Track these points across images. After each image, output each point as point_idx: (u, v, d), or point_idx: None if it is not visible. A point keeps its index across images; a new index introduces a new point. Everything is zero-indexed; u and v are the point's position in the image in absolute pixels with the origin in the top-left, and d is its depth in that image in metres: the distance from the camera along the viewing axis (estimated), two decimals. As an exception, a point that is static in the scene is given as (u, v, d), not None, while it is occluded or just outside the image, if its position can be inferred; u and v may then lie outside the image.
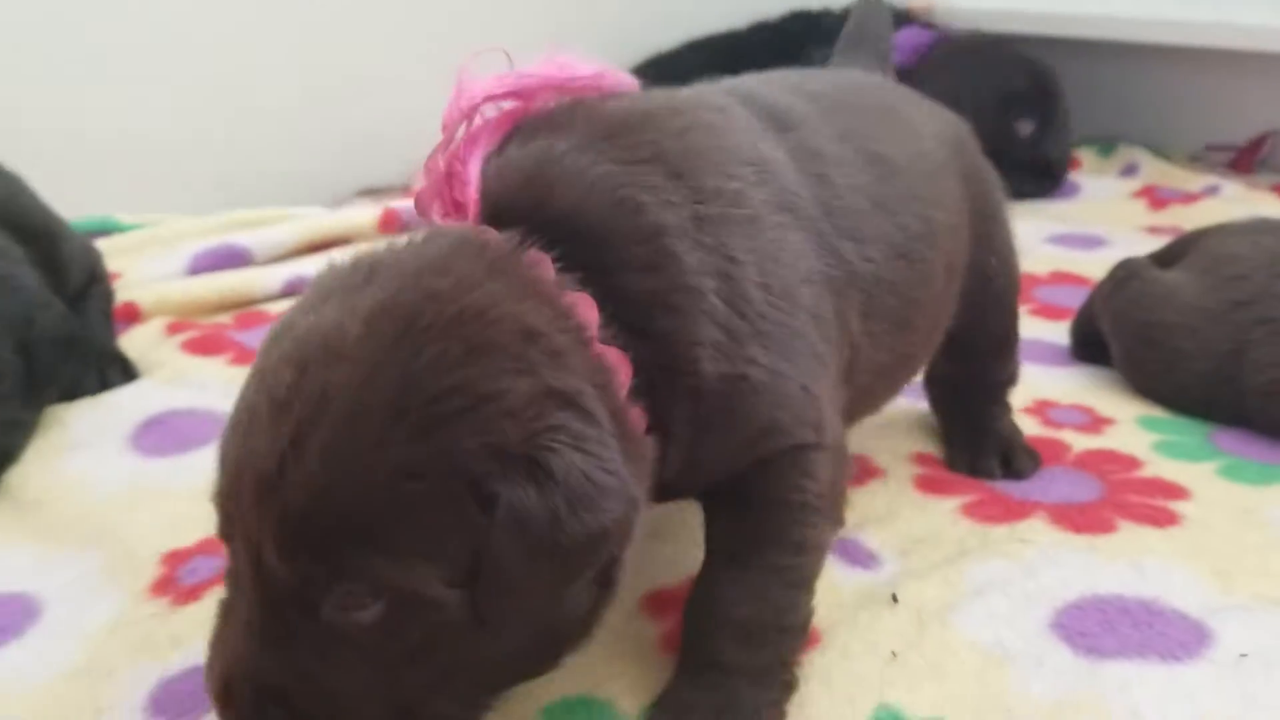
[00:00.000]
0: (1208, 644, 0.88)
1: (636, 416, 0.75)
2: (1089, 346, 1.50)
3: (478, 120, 0.81)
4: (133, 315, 1.64)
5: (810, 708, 0.83)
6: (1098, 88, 2.73)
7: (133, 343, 1.55)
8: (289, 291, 1.75)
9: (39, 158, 1.54)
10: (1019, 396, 1.30)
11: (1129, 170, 2.56)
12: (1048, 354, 1.53)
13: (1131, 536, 1.05)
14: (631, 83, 0.89)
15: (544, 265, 0.74)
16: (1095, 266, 1.65)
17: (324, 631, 0.66)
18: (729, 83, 1.00)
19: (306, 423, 0.64)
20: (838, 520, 0.89)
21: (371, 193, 2.55)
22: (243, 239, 1.87)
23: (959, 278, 1.06)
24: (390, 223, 1.97)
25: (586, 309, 0.73)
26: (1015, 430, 1.23)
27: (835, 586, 0.97)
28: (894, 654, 0.89)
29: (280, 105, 2.47)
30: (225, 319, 1.67)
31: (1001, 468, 1.18)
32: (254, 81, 2.42)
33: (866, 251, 0.90)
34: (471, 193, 0.78)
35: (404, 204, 2.08)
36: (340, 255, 0.76)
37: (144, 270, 1.76)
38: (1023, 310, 1.68)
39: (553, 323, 0.70)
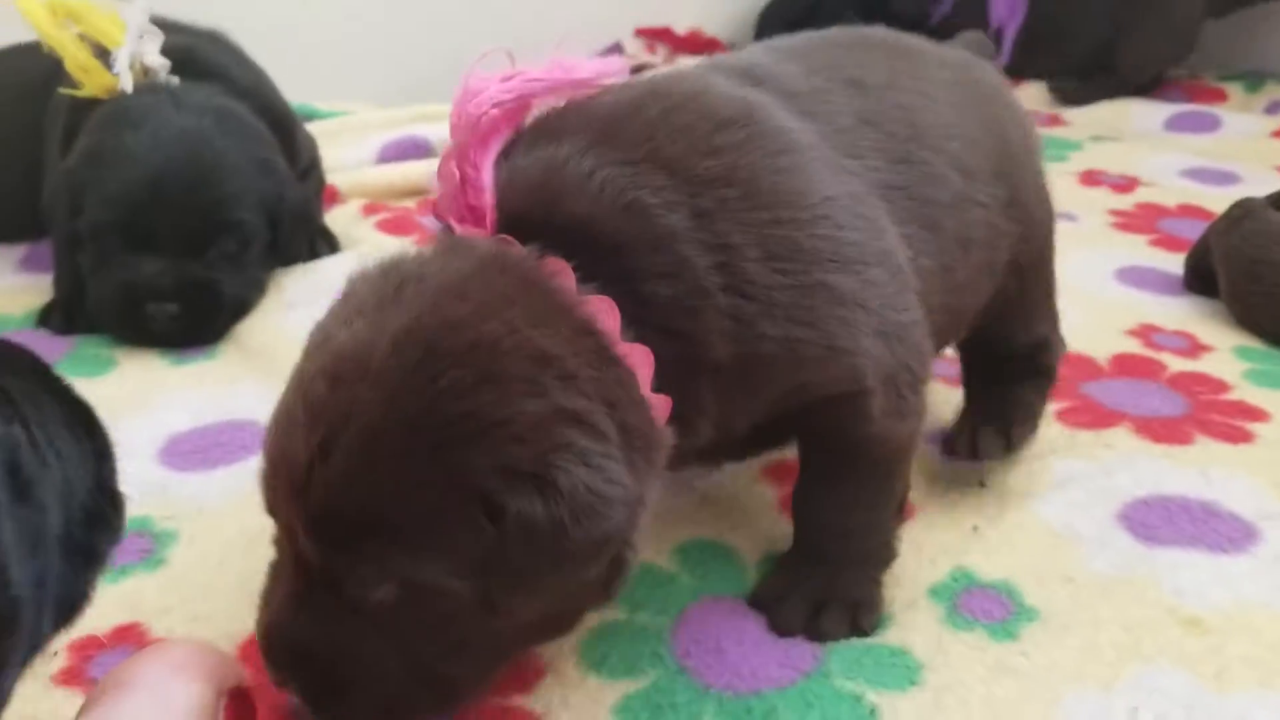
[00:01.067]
0: (1255, 542, 1.02)
1: (660, 406, 0.80)
2: (1201, 279, 1.59)
3: (485, 123, 0.82)
4: (333, 196, 1.86)
5: (897, 567, 0.98)
6: (1251, 24, 2.71)
7: (335, 220, 1.76)
8: (466, 181, 1.94)
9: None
10: (1126, 318, 1.41)
11: (1273, 108, 2.57)
12: (1161, 282, 1.63)
13: (1206, 449, 1.17)
14: (624, 71, 0.91)
15: (564, 275, 0.77)
16: (1224, 203, 1.70)
17: (347, 605, 0.74)
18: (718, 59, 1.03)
19: (334, 432, 0.70)
20: (909, 431, 0.93)
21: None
22: (424, 131, 2.06)
23: (992, 213, 1.02)
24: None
25: (608, 315, 0.77)
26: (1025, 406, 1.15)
27: (932, 472, 1.13)
28: (975, 528, 1.04)
29: (448, 11, 2.64)
30: (410, 203, 1.87)
31: (965, 447, 1.11)
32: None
33: (868, 163, 0.92)
34: (487, 199, 0.81)
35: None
36: (372, 261, 0.82)
37: (340, 156, 1.97)
38: (1144, 240, 1.78)
39: (569, 343, 0.74)
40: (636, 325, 0.78)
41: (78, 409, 0.62)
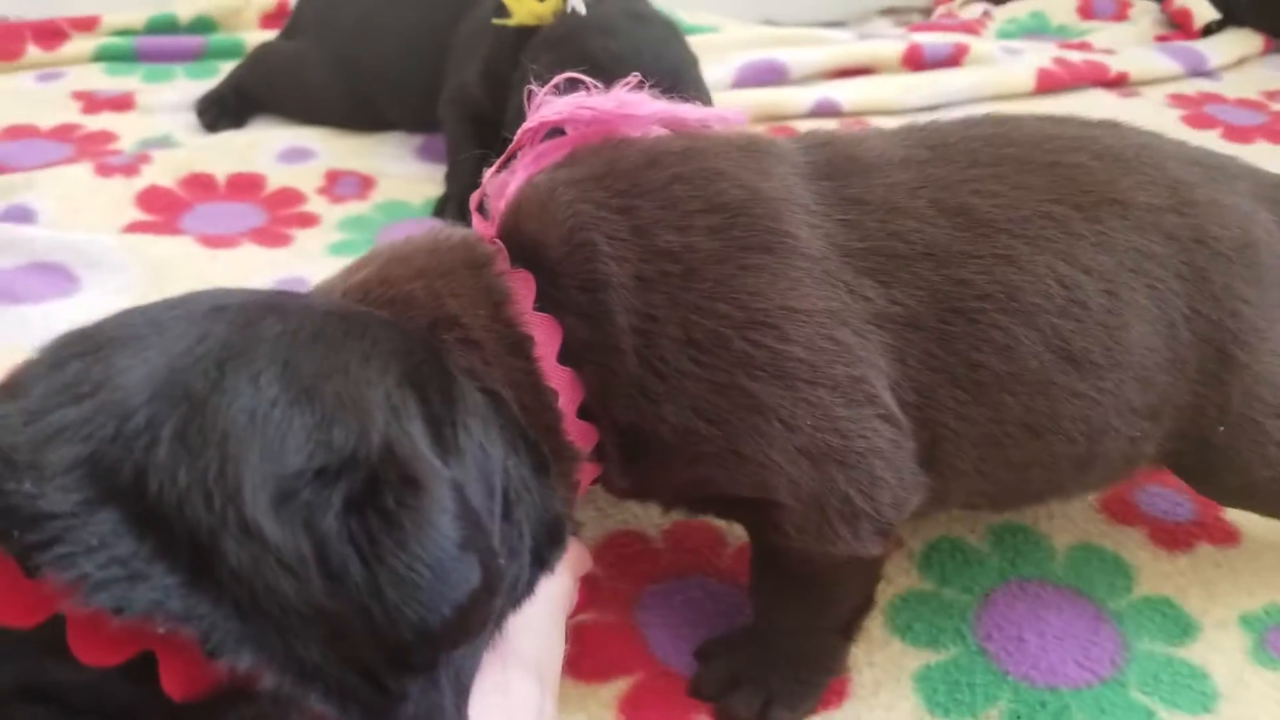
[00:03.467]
0: None
1: (583, 431, 0.82)
2: None
3: (545, 140, 0.87)
4: (691, 117, 1.95)
5: (1216, 586, 1.02)
6: None
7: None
8: (818, 112, 1.99)
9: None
10: None
11: None
12: None
13: None
14: (715, 119, 0.91)
15: (525, 286, 0.80)
16: None
17: None
18: (857, 134, 0.94)
19: None
20: (845, 555, 0.84)
21: (892, 12, 2.71)
22: (782, 56, 2.11)
23: (1105, 411, 0.87)
24: (912, 59, 2.14)
25: (547, 332, 0.80)
26: None
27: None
28: (1300, 572, 1.05)
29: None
30: (761, 129, 1.94)
31: None
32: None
33: (894, 294, 0.83)
34: (501, 205, 0.84)
35: (926, 39, 2.23)
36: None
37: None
38: None
39: (486, 326, 0.77)
40: (563, 355, 0.81)
41: (539, 452, 0.75)
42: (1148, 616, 0.99)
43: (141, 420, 0.53)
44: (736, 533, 1.08)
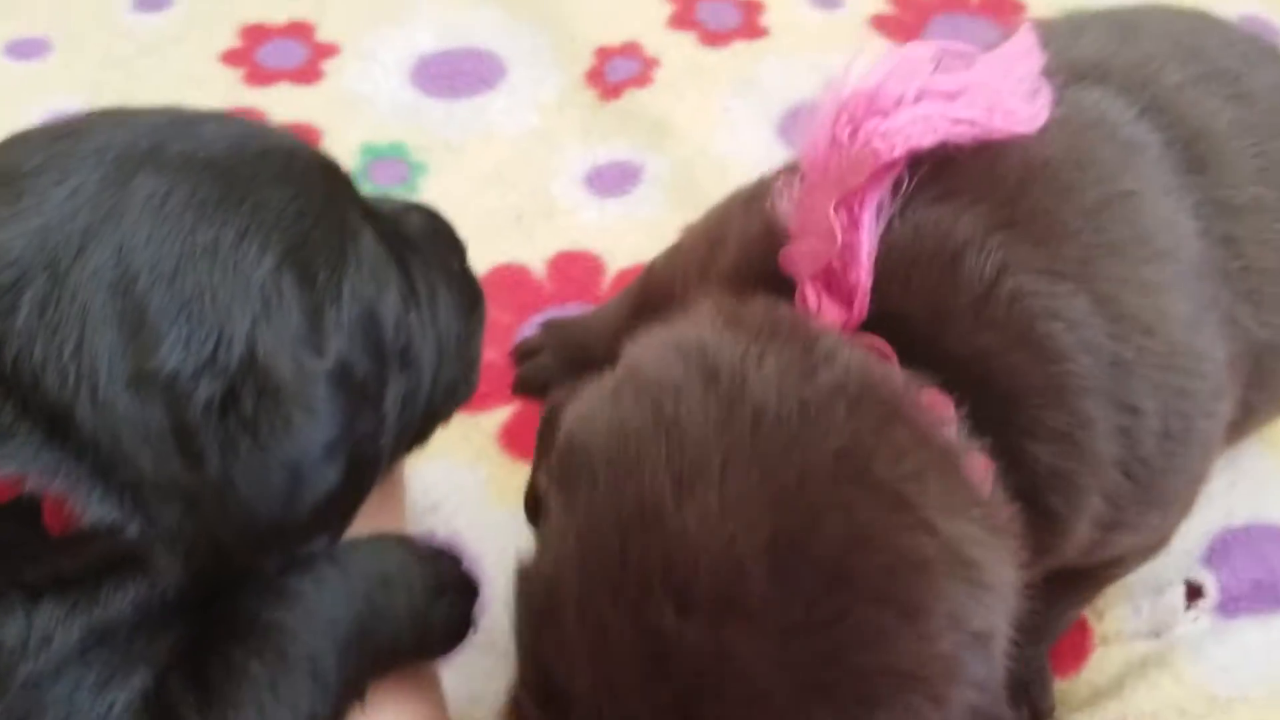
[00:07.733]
0: None
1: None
2: None
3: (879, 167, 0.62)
4: None
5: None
6: None
7: None
8: None
9: None
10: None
11: None
12: None
13: None
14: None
15: (946, 420, 0.60)
16: None
17: None
18: (1149, 73, 0.75)
19: (698, 689, 0.52)
20: None
21: None
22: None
23: None
24: None
25: (987, 480, 0.62)
26: None
27: None
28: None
29: None
30: None
31: None
32: None
33: (1264, 316, 0.74)
34: (863, 278, 0.62)
35: None
36: (663, 345, 0.61)
37: None
38: None
39: (988, 539, 0.57)
40: (1006, 489, 0.62)
41: (468, 292, 0.73)
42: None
43: (5, 281, 0.52)
44: (616, 262, 1.13)
